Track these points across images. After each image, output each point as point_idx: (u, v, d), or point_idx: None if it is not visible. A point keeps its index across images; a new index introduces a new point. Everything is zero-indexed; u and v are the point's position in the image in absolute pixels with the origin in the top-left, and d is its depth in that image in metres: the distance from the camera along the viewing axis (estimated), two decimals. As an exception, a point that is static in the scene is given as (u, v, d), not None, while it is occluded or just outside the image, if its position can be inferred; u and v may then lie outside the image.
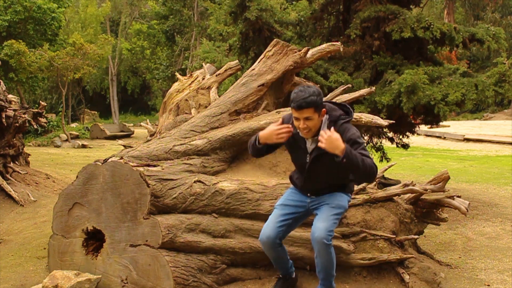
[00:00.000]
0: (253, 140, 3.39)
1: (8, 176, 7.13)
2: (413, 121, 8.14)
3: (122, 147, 5.75)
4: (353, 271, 4.13)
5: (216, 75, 5.83)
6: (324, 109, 3.22)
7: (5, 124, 7.14)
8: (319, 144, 3.05)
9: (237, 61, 6.12)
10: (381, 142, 8.94)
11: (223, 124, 4.62)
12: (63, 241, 4.07)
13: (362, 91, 4.92)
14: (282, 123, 3.32)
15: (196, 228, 3.87)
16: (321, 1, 8.34)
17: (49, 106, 28.93)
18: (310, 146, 3.32)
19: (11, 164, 7.39)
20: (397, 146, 8.96)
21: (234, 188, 4.04)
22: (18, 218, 6.21)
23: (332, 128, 3.10)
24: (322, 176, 3.36)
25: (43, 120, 8.69)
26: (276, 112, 4.72)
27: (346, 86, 4.67)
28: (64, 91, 21.32)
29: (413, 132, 8.45)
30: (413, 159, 13.66)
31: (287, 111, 4.67)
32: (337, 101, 3.48)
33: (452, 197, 4.60)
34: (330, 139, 3.00)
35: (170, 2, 29.65)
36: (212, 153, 4.35)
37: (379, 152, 8.87)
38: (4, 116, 7.05)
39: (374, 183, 4.66)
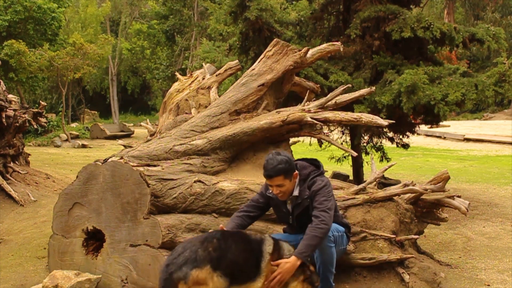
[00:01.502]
0: None
1: (8, 176, 7.13)
2: (413, 121, 8.14)
3: (122, 147, 5.74)
4: (353, 271, 4.13)
5: (216, 75, 5.83)
6: (295, 173, 3.41)
7: (5, 124, 7.15)
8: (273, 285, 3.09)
9: (237, 61, 6.11)
10: (381, 142, 8.94)
11: (223, 124, 4.62)
12: (63, 241, 4.07)
13: (362, 91, 4.92)
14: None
15: (196, 228, 3.87)
16: (321, 1, 8.33)
17: (49, 106, 28.93)
18: (289, 207, 3.51)
19: (11, 164, 7.39)
20: (397, 146, 8.95)
21: (234, 188, 4.04)
22: (18, 218, 6.21)
23: (279, 261, 3.13)
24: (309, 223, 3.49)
25: (43, 120, 8.68)
26: (276, 112, 4.72)
27: (346, 86, 4.66)
28: (64, 91, 21.32)
29: (413, 132, 8.44)
30: (413, 159, 13.66)
31: (287, 111, 4.66)
32: (307, 158, 3.72)
33: (452, 197, 4.60)
34: (283, 273, 3.07)
35: (170, 2, 29.65)
36: (212, 153, 4.35)
37: (379, 152, 8.87)
38: (4, 116, 7.05)
39: (374, 183, 4.67)
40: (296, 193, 3.44)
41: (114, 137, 19.86)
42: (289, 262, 3.09)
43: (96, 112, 33.91)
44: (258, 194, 3.64)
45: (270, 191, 3.47)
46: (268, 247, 3.04)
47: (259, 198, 3.59)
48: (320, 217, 3.23)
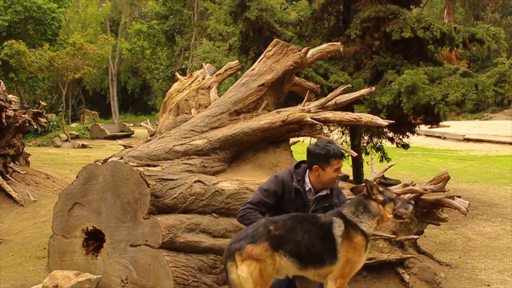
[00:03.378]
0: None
1: (8, 176, 7.13)
2: (413, 121, 8.14)
3: (122, 147, 5.74)
4: (353, 271, 4.13)
5: (216, 75, 5.82)
6: None
7: (5, 124, 7.14)
8: None
9: (237, 61, 6.11)
10: (381, 142, 8.94)
11: (223, 124, 4.62)
12: (63, 241, 4.07)
13: (362, 91, 4.92)
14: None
15: (196, 228, 3.87)
16: (321, 1, 8.33)
17: (49, 106, 28.90)
18: (310, 199, 3.44)
19: (11, 164, 7.38)
20: (397, 146, 8.95)
21: (234, 188, 4.04)
22: (18, 218, 6.21)
23: None
24: None
25: (43, 120, 8.68)
26: (276, 112, 4.72)
27: (346, 86, 4.66)
28: (64, 91, 21.32)
29: (413, 132, 8.44)
30: (413, 159, 13.66)
31: (287, 111, 4.66)
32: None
33: (452, 197, 4.60)
34: None
35: (170, 2, 29.63)
36: (212, 153, 4.35)
37: (379, 152, 8.86)
38: (4, 116, 7.05)
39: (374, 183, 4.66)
40: (325, 192, 3.44)
41: (114, 137, 19.83)
42: None
43: (96, 112, 33.87)
44: (263, 196, 3.39)
45: (295, 183, 3.38)
46: (337, 230, 3.03)
47: (267, 199, 3.37)
48: None
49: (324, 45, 5.39)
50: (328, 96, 4.67)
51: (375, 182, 3.19)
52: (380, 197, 3.11)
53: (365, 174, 8.42)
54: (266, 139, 4.62)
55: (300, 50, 5.04)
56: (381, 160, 8.84)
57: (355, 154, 4.91)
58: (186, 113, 5.33)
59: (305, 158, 3.58)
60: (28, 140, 18.21)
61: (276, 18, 7.86)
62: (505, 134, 18.14)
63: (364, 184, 3.19)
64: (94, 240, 4.03)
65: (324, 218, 3.09)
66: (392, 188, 4.51)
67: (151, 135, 5.57)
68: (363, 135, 8.24)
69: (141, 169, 3.87)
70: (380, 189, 3.14)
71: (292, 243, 2.96)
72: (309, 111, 4.56)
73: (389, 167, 5.09)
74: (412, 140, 9.11)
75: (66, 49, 19.79)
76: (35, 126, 8.89)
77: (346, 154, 8.70)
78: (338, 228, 3.03)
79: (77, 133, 21.16)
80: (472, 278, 4.50)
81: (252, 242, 2.91)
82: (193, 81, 5.97)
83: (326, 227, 3.03)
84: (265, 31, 7.48)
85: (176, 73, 6.77)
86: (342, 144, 8.02)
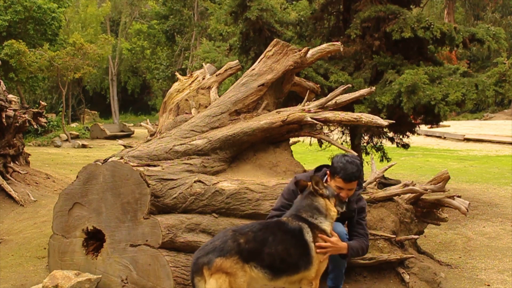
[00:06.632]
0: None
1: (8, 176, 7.13)
2: (413, 121, 8.14)
3: (122, 147, 5.74)
4: (353, 271, 4.13)
5: (216, 75, 5.82)
6: None
7: (5, 124, 7.15)
8: (318, 251, 3.11)
9: (237, 61, 6.11)
10: (381, 142, 8.94)
11: (223, 124, 4.62)
12: (63, 241, 4.07)
13: (362, 91, 4.92)
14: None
15: (196, 228, 3.87)
16: (321, 1, 8.33)
17: (49, 106, 28.88)
18: None
19: (11, 164, 7.39)
20: (397, 146, 8.95)
21: (234, 188, 4.04)
22: (18, 218, 6.21)
23: (332, 233, 3.21)
24: None
25: (43, 120, 8.69)
26: (276, 112, 4.72)
27: (346, 86, 4.66)
28: (64, 91, 21.31)
29: (413, 132, 8.44)
30: (413, 159, 13.65)
31: (287, 111, 4.66)
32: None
33: (452, 197, 4.61)
34: (334, 245, 3.14)
35: (170, 2, 29.65)
36: (212, 153, 4.35)
37: (379, 152, 8.86)
38: (4, 116, 7.05)
39: (374, 183, 4.67)
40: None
41: (114, 137, 19.82)
42: (341, 245, 3.20)
43: (96, 112, 33.89)
44: (284, 198, 3.46)
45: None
46: (307, 235, 3.03)
47: (288, 201, 3.41)
48: (366, 242, 3.48)
49: (324, 45, 5.39)
50: (328, 96, 4.66)
51: (319, 178, 3.21)
52: (326, 192, 3.16)
53: (365, 174, 8.41)
54: (266, 139, 4.62)
55: (300, 50, 5.04)
56: (381, 160, 8.84)
57: (355, 154, 4.91)
58: (186, 113, 5.33)
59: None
60: (28, 140, 18.20)
61: (277, 18, 7.85)
62: (505, 134, 18.13)
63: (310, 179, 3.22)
64: (94, 240, 4.03)
65: (291, 223, 3.06)
66: (392, 188, 4.52)
67: (151, 135, 5.57)
68: (363, 135, 8.24)
69: (141, 169, 3.87)
70: (324, 184, 3.19)
71: (265, 255, 2.88)
72: (309, 111, 4.56)
73: (389, 167, 5.10)
74: (412, 140, 9.11)
75: (66, 49, 19.78)
76: (35, 126, 8.90)
77: (346, 154, 8.72)
78: (307, 234, 3.03)
79: (77, 133, 21.16)
80: (472, 278, 4.50)
81: (221, 255, 2.79)
82: (193, 81, 5.97)
83: (298, 233, 3.01)
84: (265, 31, 7.47)
85: (176, 73, 6.76)
86: (342, 144, 8.01)
